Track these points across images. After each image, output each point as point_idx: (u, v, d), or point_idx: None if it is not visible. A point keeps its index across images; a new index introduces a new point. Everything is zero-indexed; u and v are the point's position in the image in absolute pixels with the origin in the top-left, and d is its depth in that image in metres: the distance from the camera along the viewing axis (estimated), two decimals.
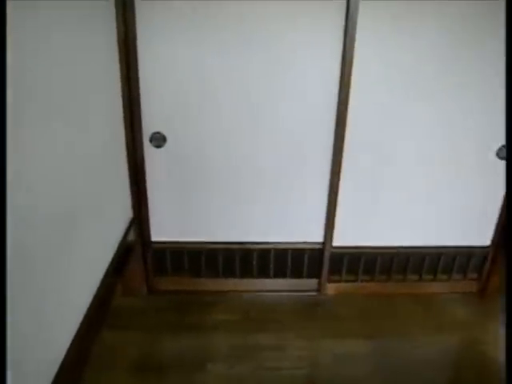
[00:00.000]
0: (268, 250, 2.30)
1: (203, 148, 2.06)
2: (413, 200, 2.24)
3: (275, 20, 1.84)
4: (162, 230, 2.22)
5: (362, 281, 2.41)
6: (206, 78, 1.93)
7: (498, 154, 2.18)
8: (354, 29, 1.84)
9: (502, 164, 2.20)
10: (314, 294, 2.40)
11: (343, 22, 1.84)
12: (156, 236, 2.23)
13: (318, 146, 2.07)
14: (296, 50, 1.90)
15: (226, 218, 2.21)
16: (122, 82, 1.88)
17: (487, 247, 2.41)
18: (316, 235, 2.27)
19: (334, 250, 2.30)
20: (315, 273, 2.38)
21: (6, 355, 0.90)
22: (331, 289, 2.40)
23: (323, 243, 2.28)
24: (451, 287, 2.49)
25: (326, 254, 2.30)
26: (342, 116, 1.99)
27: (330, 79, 1.95)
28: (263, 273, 2.37)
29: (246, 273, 2.36)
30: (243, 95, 1.97)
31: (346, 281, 2.41)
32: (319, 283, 2.39)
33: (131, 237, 2.14)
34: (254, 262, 2.33)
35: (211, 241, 2.25)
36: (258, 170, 2.12)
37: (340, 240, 2.28)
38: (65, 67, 1.30)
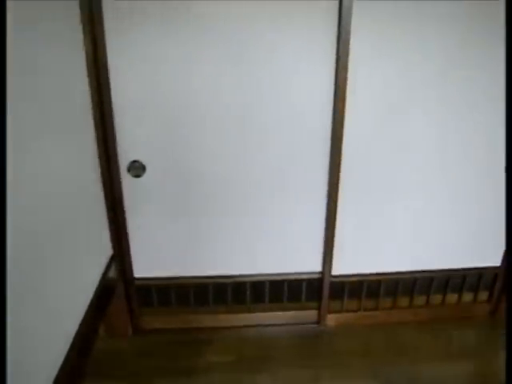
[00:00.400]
0: (262, 282, 2.11)
1: (186, 175, 1.87)
2: (417, 221, 2.07)
3: (261, 25, 1.66)
4: (146, 266, 2.03)
5: (364, 310, 2.23)
6: (186, 95, 1.74)
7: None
8: (349, 33, 1.67)
9: None
10: (313, 325, 2.23)
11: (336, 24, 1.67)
12: (139, 272, 2.04)
13: (312, 166, 1.90)
14: (286, 56, 1.71)
15: (215, 249, 2.02)
16: (93, 106, 1.69)
17: (498, 267, 2.24)
18: (314, 264, 2.09)
19: (333, 279, 2.12)
20: (314, 303, 2.20)
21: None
22: (332, 320, 2.22)
23: (322, 272, 2.10)
24: (461, 311, 2.32)
25: (326, 284, 2.12)
26: (337, 132, 1.82)
27: (323, 85, 1.76)
28: (258, 306, 2.18)
29: (240, 307, 2.18)
30: (228, 111, 1.78)
31: (348, 310, 2.23)
32: (319, 314, 2.21)
33: (113, 275, 1.96)
34: (248, 296, 2.15)
35: (200, 275, 2.06)
36: (248, 196, 1.93)
37: (340, 268, 2.10)
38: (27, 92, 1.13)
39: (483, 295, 2.34)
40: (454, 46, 1.75)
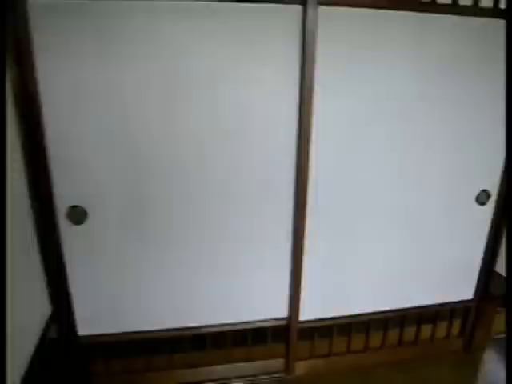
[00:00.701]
0: (224, 333, 1.91)
1: (134, 218, 1.66)
2: (386, 260, 1.94)
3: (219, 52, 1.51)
4: (92, 323, 1.78)
5: (335, 354, 2.08)
6: (131, 131, 1.54)
7: (477, 200, 1.94)
8: (313, 61, 1.54)
9: (482, 210, 1.96)
10: (281, 375, 2.04)
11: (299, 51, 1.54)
12: (84, 330, 1.79)
13: (276, 207, 1.74)
14: (247, 83, 1.57)
15: (170, 299, 1.80)
16: (22, 148, 1.47)
17: (470, 300, 2.15)
18: (279, 310, 1.91)
19: (301, 325, 1.94)
20: (281, 351, 2.01)
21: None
22: (301, 367, 2.04)
23: (288, 318, 1.93)
24: (434, 347, 2.21)
25: (293, 330, 1.94)
26: (302, 171, 1.68)
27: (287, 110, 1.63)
28: (221, 358, 1.98)
29: (201, 360, 1.96)
30: (180, 143, 1.59)
31: (318, 356, 2.06)
32: (287, 362, 2.03)
33: (53, 335, 1.72)
34: (209, 347, 1.94)
35: (154, 329, 1.84)
36: (204, 237, 1.74)
37: (308, 313, 1.93)
38: None
39: (456, 330, 2.24)
40: (422, 74, 1.67)
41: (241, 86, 1.56)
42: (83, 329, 1.80)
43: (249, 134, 1.62)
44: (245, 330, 1.92)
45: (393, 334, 2.14)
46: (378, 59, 1.62)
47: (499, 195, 1.95)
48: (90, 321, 1.79)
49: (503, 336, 2.40)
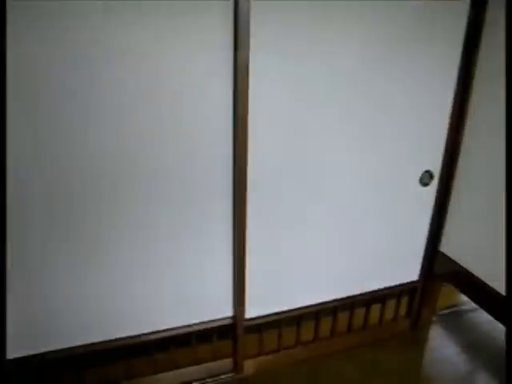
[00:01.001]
0: (166, 339, 1.77)
1: (59, 221, 1.46)
2: (333, 249, 1.88)
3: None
4: (18, 345, 1.59)
5: (284, 348, 2.01)
6: (46, 125, 1.33)
7: (420, 181, 1.90)
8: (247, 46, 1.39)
9: (426, 191, 1.93)
10: (230, 375, 1.95)
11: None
12: (12, 353, 1.59)
13: (214, 195, 1.60)
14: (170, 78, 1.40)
15: (100, 308, 1.62)
16: None
17: (416, 281, 2.14)
18: (224, 310, 1.80)
19: (247, 323, 1.85)
20: (229, 351, 1.92)
21: None
22: (250, 366, 1.96)
23: (234, 317, 1.82)
24: (382, 331, 2.21)
25: (240, 329, 1.84)
26: (241, 170, 1.55)
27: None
28: (165, 365, 1.85)
29: (143, 370, 1.82)
30: (108, 139, 1.40)
31: (267, 353, 1.98)
32: (235, 362, 1.93)
33: None
34: (151, 355, 1.81)
35: (84, 343, 1.65)
36: (138, 237, 1.57)
37: (254, 310, 1.83)
38: None
39: (403, 311, 2.26)
40: (363, 54, 1.58)
41: (175, 74, 1.39)
42: (12, 352, 1.59)
43: (184, 123, 1.46)
44: (189, 333, 1.79)
45: (342, 320, 2.10)
46: (316, 38, 1.50)
47: (442, 175, 1.93)
48: (17, 343, 1.59)
49: (448, 311, 2.45)
